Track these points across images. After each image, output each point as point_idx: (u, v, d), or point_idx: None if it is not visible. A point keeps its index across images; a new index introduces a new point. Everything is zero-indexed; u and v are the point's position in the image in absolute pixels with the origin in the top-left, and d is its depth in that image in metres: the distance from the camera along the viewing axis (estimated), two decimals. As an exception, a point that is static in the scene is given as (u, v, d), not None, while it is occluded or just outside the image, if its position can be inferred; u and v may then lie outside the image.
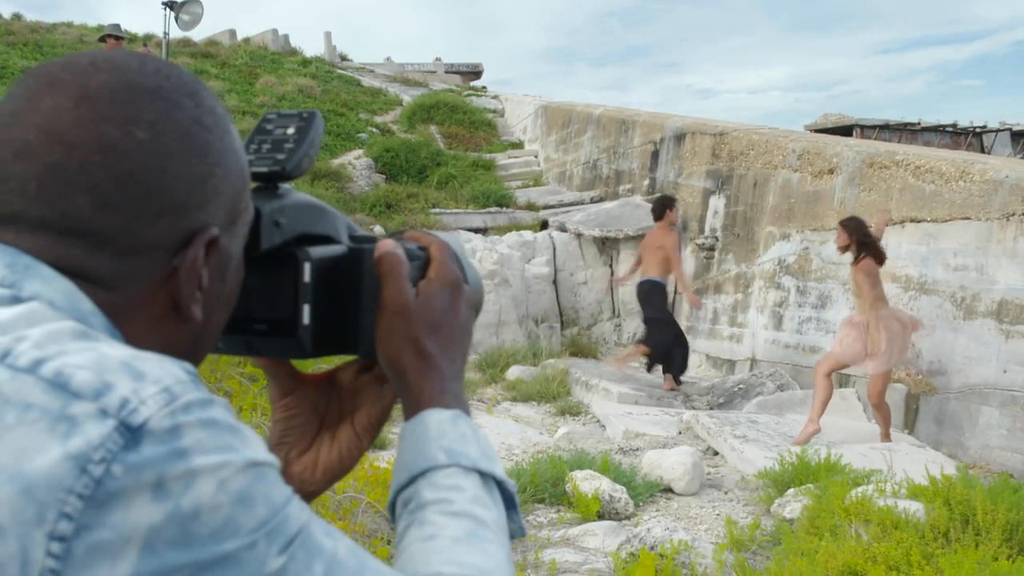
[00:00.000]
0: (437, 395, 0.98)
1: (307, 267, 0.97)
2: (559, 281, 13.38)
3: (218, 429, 0.70)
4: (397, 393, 1.02)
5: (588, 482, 6.56)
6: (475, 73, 30.61)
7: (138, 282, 0.82)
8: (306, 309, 0.97)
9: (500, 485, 0.95)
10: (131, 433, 0.65)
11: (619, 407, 9.44)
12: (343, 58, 28.90)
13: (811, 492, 6.10)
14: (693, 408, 9.75)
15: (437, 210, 14.98)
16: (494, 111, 22.26)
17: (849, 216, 8.73)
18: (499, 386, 10.56)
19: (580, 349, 12.21)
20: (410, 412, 0.98)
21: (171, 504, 0.65)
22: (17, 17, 26.11)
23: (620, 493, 6.56)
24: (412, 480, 0.93)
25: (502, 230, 14.38)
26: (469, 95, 24.11)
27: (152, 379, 0.69)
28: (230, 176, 0.88)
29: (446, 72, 29.59)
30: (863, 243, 8.20)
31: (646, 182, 14.26)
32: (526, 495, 6.57)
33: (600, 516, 6.34)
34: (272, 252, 0.97)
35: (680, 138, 13.50)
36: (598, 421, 9.22)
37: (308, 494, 1.07)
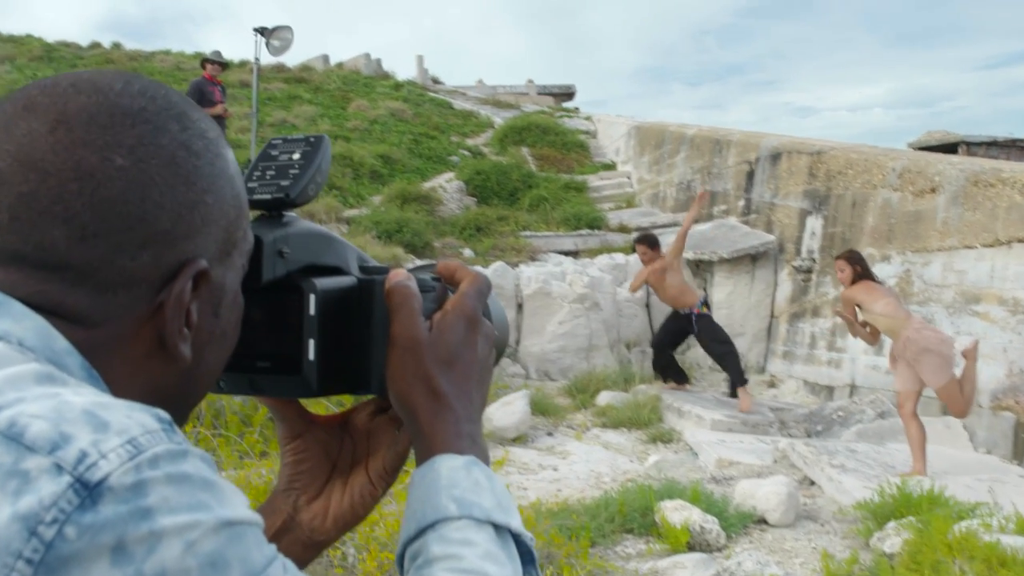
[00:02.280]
0: (451, 439, 0.91)
1: (312, 299, 0.92)
2: (651, 305, 13.19)
3: (189, 485, 0.65)
4: (411, 436, 0.96)
5: (678, 512, 6.43)
6: (567, 94, 30.61)
7: (120, 319, 0.77)
8: (311, 344, 0.92)
9: (517, 539, 0.88)
10: (88, 491, 0.61)
11: (712, 434, 9.26)
12: (435, 81, 29.13)
13: (912, 526, 5.89)
14: (789, 436, 9.51)
15: (527, 233, 14.93)
16: (586, 132, 22.19)
17: (851, 249, 8.92)
18: (589, 412, 10.42)
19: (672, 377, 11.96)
20: (421, 457, 0.92)
21: (132, 569, 0.60)
22: (117, 46, 26.92)
23: (711, 524, 6.41)
24: (420, 533, 0.86)
25: (593, 252, 14.27)
26: (561, 116, 24.08)
27: (116, 430, 0.64)
28: (222, 204, 0.83)
29: (538, 94, 29.64)
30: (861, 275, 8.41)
31: (741, 203, 14.02)
32: (614, 525, 6.47)
33: (690, 548, 6.21)
34: (276, 284, 0.93)
35: (776, 157, 13.25)
36: (690, 449, 9.04)
37: (318, 544, 1.03)
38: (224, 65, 13.60)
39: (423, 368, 0.93)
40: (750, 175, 13.90)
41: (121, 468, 0.62)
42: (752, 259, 12.92)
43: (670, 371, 11.08)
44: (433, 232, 14.33)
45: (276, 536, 1.03)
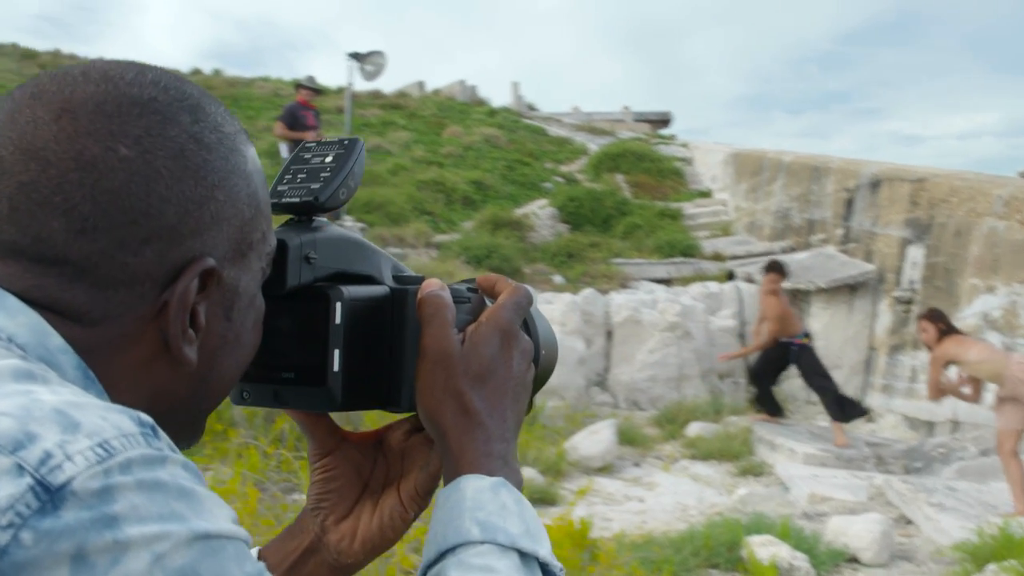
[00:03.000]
0: (479, 458, 0.87)
1: (338, 307, 0.89)
2: (746, 335, 12.95)
3: (162, 493, 0.61)
4: (440, 455, 0.92)
5: (765, 548, 6.32)
6: (664, 121, 30.48)
7: (121, 318, 0.74)
8: (336, 354, 0.89)
9: (544, 568, 0.83)
10: (50, 494, 0.57)
11: (805, 468, 9.03)
12: (530, 108, 29.26)
13: (1015, 569, 5.70)
14: (886, 472, 9.20)
15: (619, 260, 14.85)
16: (682, 159, 22.02)
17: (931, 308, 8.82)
18: (678, 443, 10.26)
19: (765, 408, 11.72)
20: (448, 476, 0.88)
21: None
22: (217, 72, 27.66)
23: (801, 561, 6.26)
24: (440, 557, 0.82)
25: (686, 281, 14.11)
26: (657, 143, 23.95)
27: (88, 431, 0.61)
28: (235, 201, 0.80)
29: (634, 120, 29.57)
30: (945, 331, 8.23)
31: (840, 231, 13.72)
32: (699, 559, 6.35)
33: None
34: (302, 291, 0.90)
35: (876, 185, 12.96)
36: (781, 483, 8.83)
37: (345, 567, 1.00)
38: (317, 90, 13.79)
39: (453, 383, 0.89)
40: (849, 203, 13.61)
41: (88, 472, 0.58)
42: (851, 289, 12.63)
43: (765, 402, 10.83)
44: (523, 258, 14.33)
45: (303, 557, 1.00)
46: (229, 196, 0.79)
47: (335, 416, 1.02)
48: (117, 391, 0.74)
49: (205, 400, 0.84)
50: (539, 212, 17.09)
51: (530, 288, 1.00)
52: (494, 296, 0.97)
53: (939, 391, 8.23)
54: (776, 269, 10.65)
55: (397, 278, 0.98)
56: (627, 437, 9.81)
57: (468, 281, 1.00)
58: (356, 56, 13.85)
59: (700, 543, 6.48)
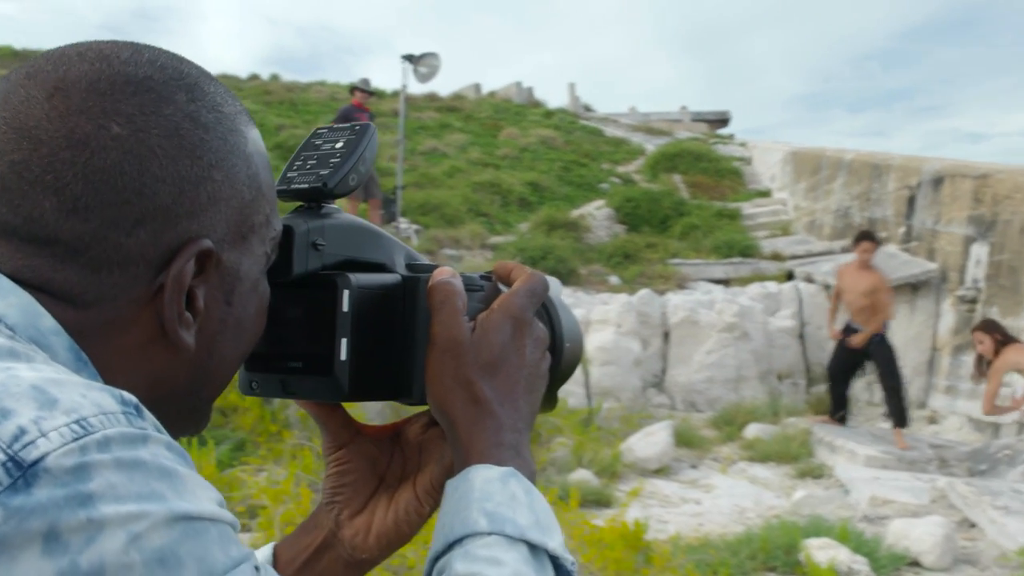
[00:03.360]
0: (489, 448, 0.85)
1: (346, 294, 0.87)
2: (805, 335, 12.81)
3: (141, 472, 0.59)
4: (450, 446, 0.90)
5: (824, 551, 6.22)
6: (722, 121, 30.30)
7: (115, 300, 0.73)
8: (343, 343, 0.87)
9: (555, 561, 0.81)
10: (22, 470, 0.56)
11: (865, 471, 8.86)
12: (587, 109, 29.25)
13: None
14: (949, 474, 9.02)
15: (676, 260, 14.76)
16: (740, 159, 21.86)
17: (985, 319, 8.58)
18: (735, 445, 10.14)
19: (826, 408, 11.53)
20: (457, 467, 0.86)
21: (66, 561, 0.55)
22: (275, 77, 27.97)
23: (860, 565, 6.15)
24: (448, 548, 0.80)
25: (744, 281, 13.98)
26: (715, 143, 23.81)
27: (65, 408, 0.59)
28: (234, 182, 0.78)
29: (692, 120, 29.45)
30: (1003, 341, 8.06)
31: (901, 230, 13.50)
32: (756, 562, 6.27)
33: None
34: (310, 278, 0.89)
35: (938, 182, 12.72)
36: (841, 485, 8.69)
37: (360, 562, 0.98)
38: (371, 92, 13.85)
39: (463, 372, 0.87)
40: (911, 201, 13.38)
41: (62, 449, 0.57)
42: (912, 288, 12.41)
43: (837, 402, 10.40)
44: (579, 259, 14.30)
45: (317, 553, 0.98)
46: (227, 176, 0.77)
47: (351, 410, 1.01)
48: (112, 375, 0.72)
49: (205, 387, 0.82)
50: (595, 213, 17.07)
51: (550, 277, 0.97)
52: (508, 283, 0.95)
53: (995, 407, 8.06)
54: (869, 237, 10.03)
55: (410, 266, 0.96)
56: (684, 439, 9.72)
57: (488, 275, 0.98)
58: (410, 58, 13.89)
59: (757, 546, 6.41)
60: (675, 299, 12.35)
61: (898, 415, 9.83)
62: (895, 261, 12.67)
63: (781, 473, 9.21)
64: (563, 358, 0.98)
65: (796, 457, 9.50)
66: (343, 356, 0.87)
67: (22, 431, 0.57)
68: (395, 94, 22.56)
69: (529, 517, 0.81)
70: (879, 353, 9.89)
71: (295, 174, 0.93)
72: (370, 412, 6.30)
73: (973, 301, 11.62)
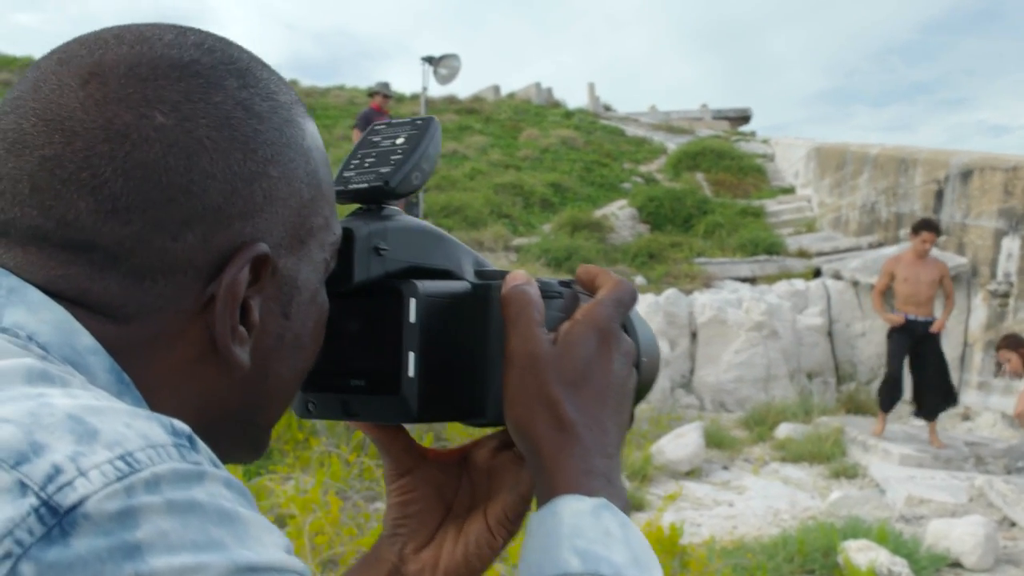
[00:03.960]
0: (578, 476, 0.76)
1: (412, 304, 0.80)
2: (834, 333, 12.66)
3: (198, 516, 0.51)
4: (532, 473, 0.81)
5: (863, 553, 6.13)
6: (743, 118, 30.18)
7: (161, 313, 0.65)
8: (411, 358, 0.79)
9: None
10: (58, 518, 0.48)
11: (901, 470, 8.73)
12: (607, 108, 29.20)
13: None
14: (986, 472, 8.88)
15: (702, 259, 14.67)
16: (763, 156, 21.73)
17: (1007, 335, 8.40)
18: (767, 445, 10.01)
19: (858, 406, 11.43)
20: (542, 498, 0.77)
21: None
22: (294, 83, 27.96)
23: (900, 567, 6.05)
24: None
25: (771, 279, 13.85)
26: (737, 140, 23.71)
27: (108, 441, 0.51)
28: (292, 180, 0.70)
29: (713, 118, 29.34)
30: None
31: (929, 224, 13.33)
32: (793, 566, 6.18)
33: None
34: (372, 287, 0.81)
35: (967, 175, 12.54)
36: (876, 485, 8.56)
37: None
38: (390, 96, 13.82)
39: (545, 390, 0.78)
40: (939, 195, 13.20)
41: (105, 490, 0.49)
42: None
43: (893, 393, 9.80)
44: (604, 259, 14.23)
45: None
46: (284, 173, 0.69)
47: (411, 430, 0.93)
48: (157, 398, 0.65)
49: (261, 410, 0.75)
50: (618, 213, 17.00)
51: (634, 285, 0.87)
52: (592, 290, 0.86)
53: None
54: (930, 227, 9.68)
55: (479, 273, 0.88)
56: (714, 440, 9.60)
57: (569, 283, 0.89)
58: (430, 60, 13.86)
59: (794, 549, 6.32)
60: (702, 298, 12.24)
61: (934, 411, 9.63)
62: (924, 256, 12.52)
63: (814, 473, 9.09)
64: (641, 374, 0.89)
65: (829, 457, 9.36)
66: (411, 372, 0.79)
67: (57, 470, 0.49)
68: (415, 97, 22.59)
69: (626, 554, 0.72)
70: (930, 344, 9.65)
71: (352, 173, 0.85)
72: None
73: (1006, 295, 11.46)
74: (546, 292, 0.84)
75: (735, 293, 12.73)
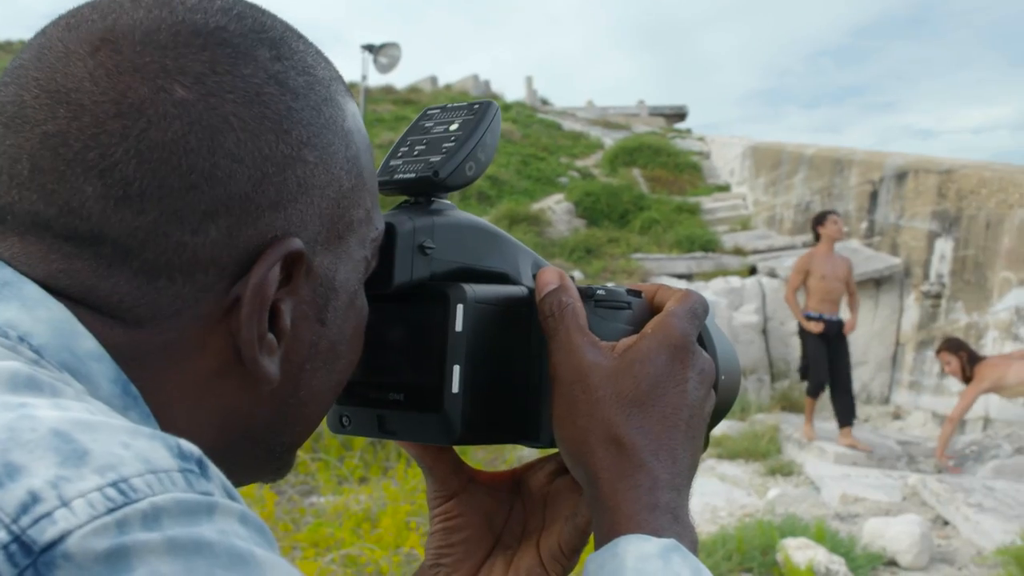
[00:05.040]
0: (642, 512, 0.67)
1: (460, 310, 0.72)
2: (769, 330, 12.75)
3: (207, 558, 0.43)
4: (589, 504, 0.72)
5: (802, 552, 6.10)
6: (679, 115, 30.41)
7: (177, 316, 0.58)
8: (456, 371, 0.72)
9: None
10: (31, 557, 0.40)
11: (835, 468, 8.78)
12: (544, 102, 29.30)
13: None
14: (918, 471, 8.98)
15: (639, 255, 14.72)
16: (699, 153, 21.89)
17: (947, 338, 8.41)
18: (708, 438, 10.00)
19: (792, 404, 11.51)
20: (602, 536, 0.68)
21: None
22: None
23: (838, 565, 6.04)
24: None
25: (707, 276, 13.95)
26: (673, 137, 23.85)
27: (99, 464, 0.43)
28: (331, 166, 0.62)
29: (649, 115, 29.53)
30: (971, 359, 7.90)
31: (864, 225, 13.49)
32: (732, 563, 6.20)
33: None
34: (415, 290, 0.73)
35: (901, 177, 12.72)
36: (812, 483, 8.60)
37: None
38: None
39: (600, 410, 0.70)
40: (873, 196, 13.37)
41: (92, 524, 0.41)
42: (876, 284, 12.40)
43: (848, 407, 9.61)
44: (541, 253, 13.90)
45: None
46: (322, 158, 0.61)
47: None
48: (170, 415, 0.57)
49: (289, 428, 0.66)
50: (555, 207, 17.00)
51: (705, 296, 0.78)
52: (655, 308, 0.78)
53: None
54: (834, 212, 9.72)
55: (536, 277, 0.78)
56: (651, 436, 9.59)
57: (635, 291, 0.80)
58: (370, 48, 13.70)
59: (732, 546, 6.29)
60: (639, 294, 12.25)
61: (851, 411, 9.65)
62: (858, 256, 12.66)
63: (751, 471, 9.11)
64: (719, 394, 0.79)
65: (765, 454, 9.39)
66: (455, 388, 0.72)
67: (34, 498, 0.42)
68: (352, 86, 22.31)
69: None
70: (847, 344, 9.66)
71: (399, 162, 0.77)
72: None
73: (937, 296, 11.64)
74: (614, 301, 0.76)
75: (672, 289, 12.79)
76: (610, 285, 0.78)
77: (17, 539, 0.41)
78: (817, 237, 9.71)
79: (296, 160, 0.60)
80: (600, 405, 0.70)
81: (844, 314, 9.62)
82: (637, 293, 0.78)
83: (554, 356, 0.72)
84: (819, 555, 6.03)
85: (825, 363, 9.46)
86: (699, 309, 0.75)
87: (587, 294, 0.76)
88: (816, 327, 9.41)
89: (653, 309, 0.78)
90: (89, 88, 0.56)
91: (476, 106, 0.79)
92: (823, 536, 6.41)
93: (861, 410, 10.08)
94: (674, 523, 0.68)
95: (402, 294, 0.73)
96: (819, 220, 9.70)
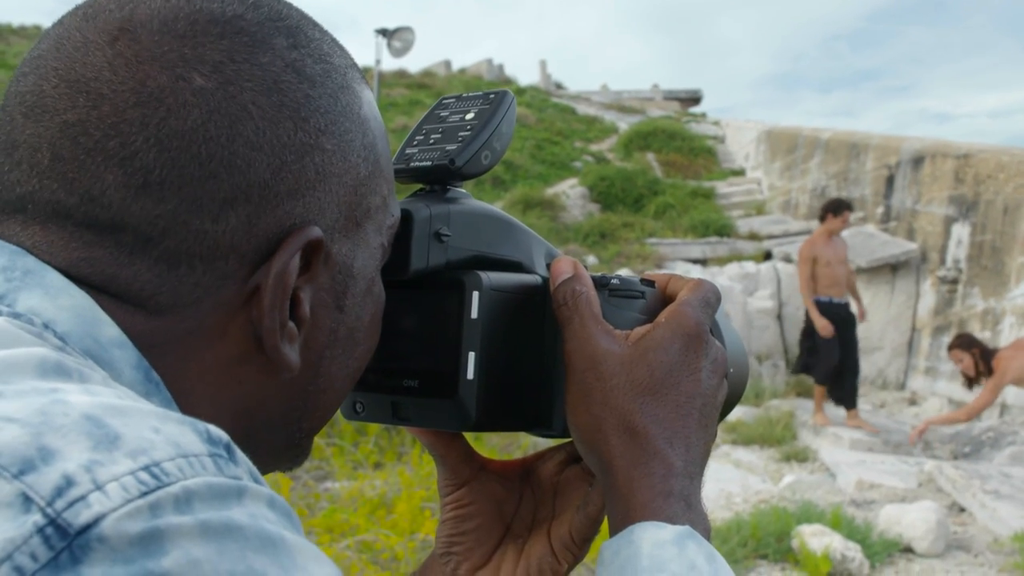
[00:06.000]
0: (656, 499, 0.68)
1: (475, 297, 0.73)
2: (784, 316, 12.70)
3: (236, 542, 0.43)
4: (603, 492, 0.73)
5: (817, 538, 6.09)
6: (694, 99, 30.34)
7: (198, 304, 0.58)
8: (471, 358, 0.72)
9: None
10: (67, 540, 0.40)
11: (851, 454, 8.75)
12: (558, 86, 29.27)
13: None
14: (934, 457, 8.95)
15: (653, 240, 14.71)
16: (714, 138, 21.83)
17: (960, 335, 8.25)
18: (719, 427, 9.97)
19: (807, 390, 11.44)
20: (616, 523, 0.69)
21: None
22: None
23: (854, 552, 6.05)
24: None
25: (722, 261, 13.92)
26: (688, 121, 23.81)
27: (131, 448, 0.44)
28: (348, 153, 0.63)
29: (664, 99, 29.46)
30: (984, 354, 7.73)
31: (880, 209, 13.42)
32: (747, 550, 6.20)
33: None
34: (431, 277, 0.74)
35: (918, 161, 12.63)
36: (827, 469, 8.58)
37: None
38: None
39: (615, 397, 0.70)
40: (890, 180, 13.29)
41: (126, 508, 0.42)
42: (892, 269, 12.34)
43: (852, 391, 9.64)
44: (556, 238, 14.19)
45: None
46: (339, 145, 0.63)
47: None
48: (191, 401, 0.59)
49: (308, 415, 0.67)
50: (570, 192, 16.99)
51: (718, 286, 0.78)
52: (665, 296, 0.79)
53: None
54: (849, 207, 9.68)
55: (550, 266, 0.79)
56: (665, 422, 9.57)
57: (648, 282, 0.81)
58: (384, 32, 13.67)
59: (748, 533, 6.28)
60: (653, 279, 12.23)
61: (855, 396, 9.65)
62: (874, 241, 12.60)
63: (766, 457, 9.09)
64: (729, 385, 0.80)
65: (780, 440, 9.37)
66: (470, 375, 0.72)
67: (69, 482, 0.42)
68: (366, 70, 22.33)
69: None
70: (855, 326, 9.61)
71: (415, 150, 0.78)
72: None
73: (954, 282, 11.58)
74: (627, 291, 0.76)
75: (687, 274, 12.70)
76: (623, 274, 0.79)
77: (53, 522, 0.41)
78: (821, 222, 9.66)
79: (314, 148, 0.61)
80: (614, 393, 0.70)
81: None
82: (650, 283, 0.79)
83: (568, 344, 0.73)
84: (835, 541, 6.02)
85: (837, 350, 9.40)
86: (712, 298, 0.76)
87: (601, 283, 0.76)
88: (828, 331, 9.29)
89: (666, 298, 0.79)
90: (108, 77, 0.56)
91: (492, 95, 0.80)
92: (839, 522, 6.39)
93: (877, 396, 10.07)
94: (688, 510, 0.68)
95: (418, 281, 0.74)
96: (837, 209, 9.61)
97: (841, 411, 9.83)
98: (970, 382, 7.94)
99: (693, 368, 0.72)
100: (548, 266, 0.79)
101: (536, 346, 0.76)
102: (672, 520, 0.67)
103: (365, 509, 5.18)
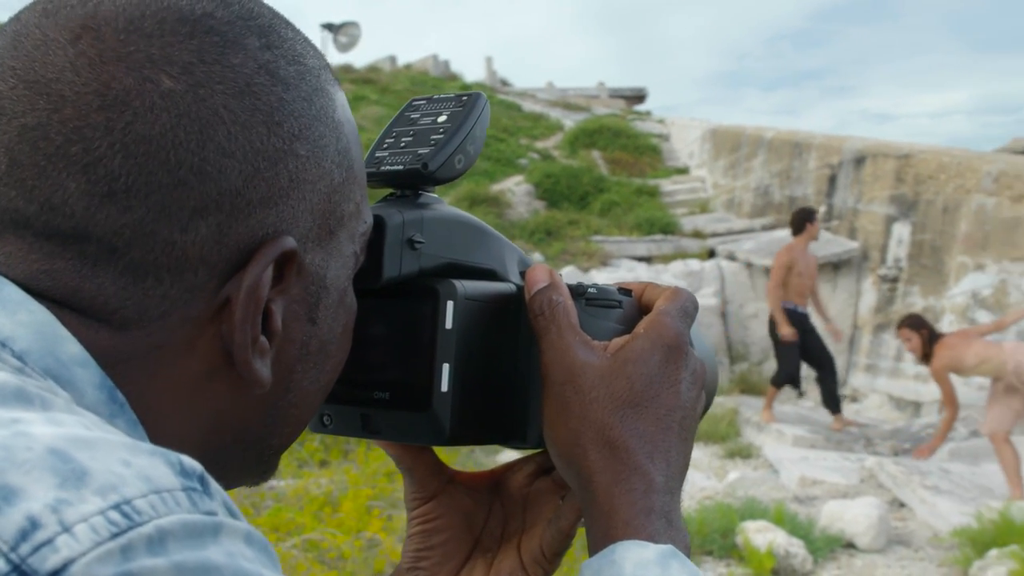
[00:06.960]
0: (638, 517, 0.66)
1: (450, 307, 0.71)
2: (727, 313, 12.83)
3: None
4: (580, 509, 0.73)
5: (761, 534, 6.17)
6: (639, 97, 30.47)
7: (165, 318, 0.56)
8: (445, 370, 0.71)
9: None
10: None
11: (794, 451, 8.86)
12: (504, 83, 29.24)
13: (1017, 555, 5.59)
14: (875, 453, 9.07)
15: (599, 237, 14.74)
16: (659, 136, 21.93)
17: (909, 314, 8.38)
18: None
19: (750, 387, 11.62)
20: (596, 541, 0.67)
21: None
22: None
23: (797, 548, 6.14)
24: None
25: (667, 259, 14.00)
26: (633, 119, 23.87)
27: (100, 484, 0.42)
28: (322, 160, 0.61)
29: (609, 97, 29.53)
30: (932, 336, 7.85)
31: (822, 209, 13.58)
32: (692, 546, 6.08)
33: (775, 573, 5.95)
34: (403, 285, 0.72)
35: (860, 161, 12.81)
36: (770, 466, 8.67)
37: None
38: None
39: (593, 411, 0.69)
40: (832, 180, 13.47)
41: (96, 551, 0.40)
42: (834, 267, 12.51)
43: (827, 399, 9.84)
44: (502, 235, 14.18)
45: None
46: (313, 151, 0.60)
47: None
48: (158, 420, 0.56)
49: (278, 430, 0.65)
50: (515, 189, 16.98)
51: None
52: (641, 305, 0.77)
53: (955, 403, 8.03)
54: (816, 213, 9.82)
55: (525, 274, 0.77)
56: (611, 419, 9.62)
57: (626, 291, 0.79)
58: (329, 27, 13.57)
59: (693, 529, 6.32)
60: (599, 277, 12.27)
61: (836, 400, 9.80)
62: (818, 240, 12.76)
63: (710, 453, 9.17)
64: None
65: (724, 437, 9.46)
66: (444, 387, 0.70)
67: (34, 524, 0.40)
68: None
69: None
70: (815, 331, 9.79)
71: (386, 154, 0.76)
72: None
73: (895, 280, 11.76)
74: (604, 300, 0.75)
75: (632, 272, 12.83)
76: (601, 283, 0.78)
77: (17, 568, 0.39)
78: (798, 231, 9.74)
79: (288, 154, 0.58)
80: (593, 406, 0.68)
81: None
82: (627, 292, 0.77)
83: (545, 356, 0.71)
84: (778, 537, 6.10)
85: (798, 357, 9.57)
86: (690, 308, 0.75)
87: (578, 292, 0.75)
88: (791, 338, 9.43)
89: (642, 307, 0.77)
90: (70, 78, 0.53)
91: (465, 97, 0.78)
92: (782, 519, 6.47)
93: (818, 392, 10.17)
94: (669, 527, 0.67)
95: (390, 289, 0.72)
96: (809, 217, 9.74)
97: (787, 408, 9.94)
98: (924, 358, 8.09)
99: (673, 380, 0.71)
100: (522, 274, 0.77)
101: (510, 357, 0.75)
102: (654, 538, 0.65)
103: (311, 508, 5.14)
